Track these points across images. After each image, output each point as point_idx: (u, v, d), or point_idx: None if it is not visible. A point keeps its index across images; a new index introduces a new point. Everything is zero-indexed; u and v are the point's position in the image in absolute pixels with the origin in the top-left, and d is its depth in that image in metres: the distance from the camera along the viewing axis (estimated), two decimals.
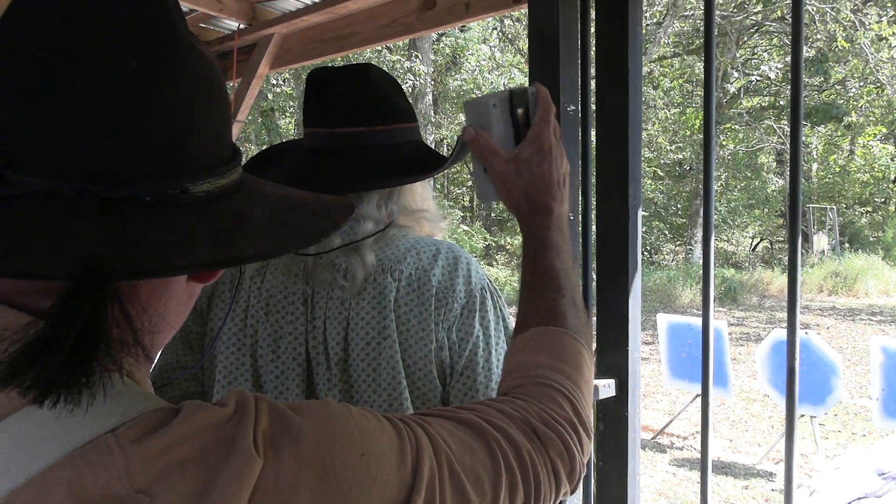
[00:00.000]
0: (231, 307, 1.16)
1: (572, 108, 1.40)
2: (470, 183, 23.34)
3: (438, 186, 20.29)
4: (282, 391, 1.11)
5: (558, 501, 0.76)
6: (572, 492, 0.77)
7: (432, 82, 13.60)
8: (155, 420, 0.53)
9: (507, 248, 17.85)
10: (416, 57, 12.51)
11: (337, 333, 1.09)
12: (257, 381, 1.13)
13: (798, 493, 1.50)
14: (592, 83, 1.49)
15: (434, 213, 1.23)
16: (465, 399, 1.09)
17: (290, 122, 16.25)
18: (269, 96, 13.79)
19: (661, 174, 20.09)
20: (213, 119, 0.62)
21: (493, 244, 17.73)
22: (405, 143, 1.16)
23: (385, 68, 12.14)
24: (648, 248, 19.12)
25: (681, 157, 19.70)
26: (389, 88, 1.17)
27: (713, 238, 1.46)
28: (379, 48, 12.33)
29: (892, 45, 14.53)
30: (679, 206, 19.77)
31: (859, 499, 1.57)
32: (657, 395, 7.51)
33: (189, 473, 0.51)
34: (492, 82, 13.86)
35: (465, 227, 17.65)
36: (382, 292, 1.08)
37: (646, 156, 19.76)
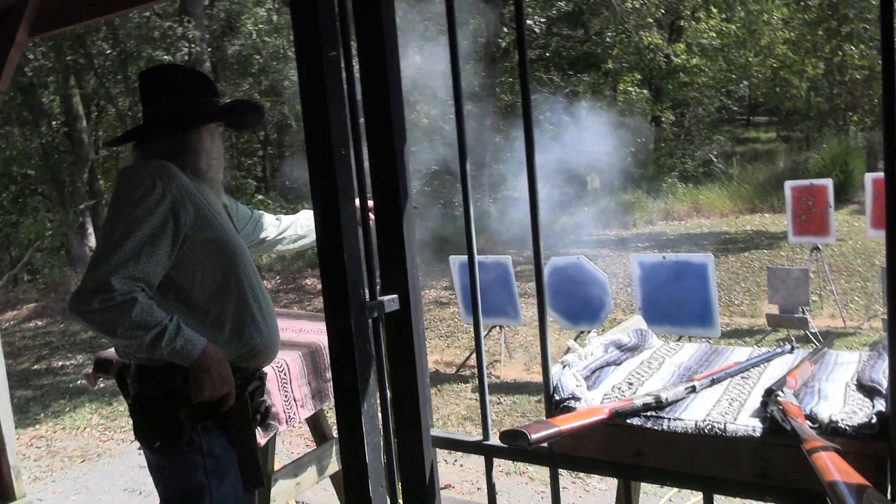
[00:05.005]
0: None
1: (333, 53, 1.57)
2: (261, 153, 22.75)
3: (229, 157, 19.61)
4: None
5: None
6: None
7: (209, 49, 13.09)
8: None
9: None
10: (189, 22, 11.96)
11: None
12: None
13: (553, 369, 1.81)
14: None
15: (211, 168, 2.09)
16: None
17: (54, 99, 14.95)
18: (28, 71, 12.62)
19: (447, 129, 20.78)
20: None
21: (292, 212, 17.55)
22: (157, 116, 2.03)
23: (156, 34, 11.38)
24: (443, 201, 19.83)
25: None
26: (159, 81, 2.06)
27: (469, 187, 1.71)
28: (148, 13, 11.67)
29: None
30: (471, 159, 20.57)
31: (601, 367, 1.93)
32: (458, 335, 8.01)
33: None
34: (273, 45, 13.58)
35: (261, 197, 17.26)
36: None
37: (431, 113, 20.34)
